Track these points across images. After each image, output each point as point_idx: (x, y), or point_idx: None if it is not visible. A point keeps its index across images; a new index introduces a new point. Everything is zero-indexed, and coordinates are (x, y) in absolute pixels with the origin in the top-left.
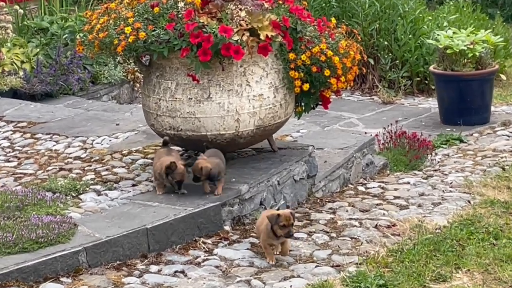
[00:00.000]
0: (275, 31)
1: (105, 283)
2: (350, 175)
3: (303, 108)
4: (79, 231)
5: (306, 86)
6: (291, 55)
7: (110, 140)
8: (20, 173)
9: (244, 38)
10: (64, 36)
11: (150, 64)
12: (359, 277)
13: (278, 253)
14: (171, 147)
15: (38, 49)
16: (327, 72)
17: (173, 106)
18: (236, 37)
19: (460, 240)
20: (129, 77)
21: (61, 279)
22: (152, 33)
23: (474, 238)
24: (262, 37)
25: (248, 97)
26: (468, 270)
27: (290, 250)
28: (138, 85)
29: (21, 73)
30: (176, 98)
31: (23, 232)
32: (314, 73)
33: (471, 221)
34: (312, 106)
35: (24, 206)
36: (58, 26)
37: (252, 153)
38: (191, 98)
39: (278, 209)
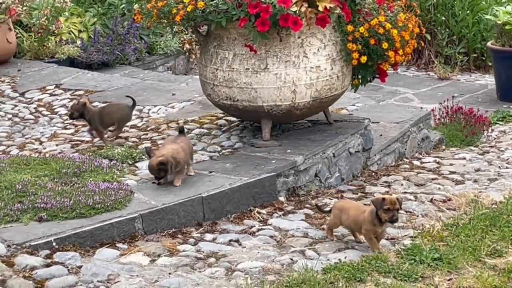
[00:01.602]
0: (334, 2)
1: (160, 250)
2: (405, 149)
3: (360, 80)
4: (135, 198)
5: (363, 59)
6: (349, 27)
7: (166, 110)
8: (77, 140)
9: (303, 9)
10: (122, 6)
11: (207, 34)
12: (414, 250)
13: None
14: (184, 136)
15: (95, 19)
16: (385, 45)
17: (230, 76)
18: (294, 8)
19: None
20: (184, 48)
21: (117, 244)
22: (211, 2)
23: None
24: (320, 8)
25: (305, 68)
26: None
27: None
28: (193, 56)
29: (78, 42)
30: (233, 68)
31: (80, 198)
32: (372, 45)
33: None
34: (368, 79)
35: (81, 173)
36: None
37: (307, 125)
38: (248, 69)
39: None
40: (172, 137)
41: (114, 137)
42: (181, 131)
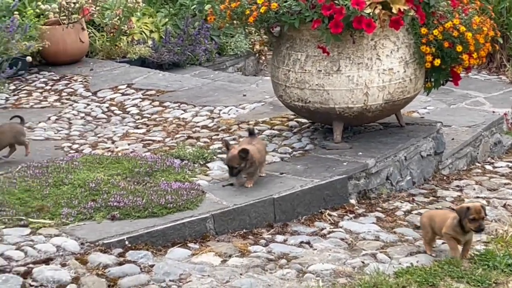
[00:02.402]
0: (408, 4)
1: (232, 251)
2: (477, 153)
3: (433, 83)
4: (206, 198)
5: (437, 62)
6: (423, 30)
7: (237, 111)
8: (149, 140)
9: (376, 11)
10: (193, 7)
11: (280, 35)
12: (487, 255)
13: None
14: (256, 136)
15: (166, 19)
16: (459, 48)
17: (302, 78)
18: (368, 10)
19: None
20: (254, 50)
21: (189, 244)
22: (284, 4)
23: None
24: (394, 10)
25: (378, 71)
26: None
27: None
28: (263, 57)
29: (149, 42)
30: (306, 70)
31: (152, 197)
32: (446, 48)
33: None
34: (441, 82)
35: (153, 172)
36: None
37: (379, 127)
38: (320, 70)
39: None
40: (247, 139)
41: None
42: (251, 132)
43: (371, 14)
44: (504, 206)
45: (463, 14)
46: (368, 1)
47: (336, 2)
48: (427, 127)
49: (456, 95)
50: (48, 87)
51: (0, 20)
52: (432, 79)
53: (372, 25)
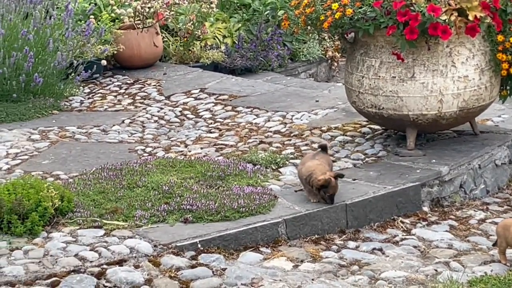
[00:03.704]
0: (484, 12)
1: (304, 256)
2: None
3: (508, 91)
4: (279, 203)
5: None
6: (500, 37)
7: (309, 116)
8: (222, 144)
9: (452, 18)
10: (266, 13)
11: (354, 41)
12: None
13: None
14: (323, 153)
15: (239, 25)
16: None
17: (376, 84)
18: (444, 17)
19: None
20: (327, 56)
21: (261, 249)
22: (359, 10)
23: None
24: (470, 17)
25: (452, 78)
26: None
27: (491, 235)
28: (335, 63)
29: (222, 47)
30: (379, 76)
31: (225, 201)
32: None
33: None
34: None
35: (225, 176)
36: (260, 3)
37: (453, 135)
38: (395, 77)
39: None
40: (311, 154)
41: None
42: (323, 148)
43: (446, 20)
44: None
45: None
46: (444, 8)
47: (412, 8)
48: (502, 135)
49: None
50: (122, 91)
51: (76, 24)
52: (508, 87)
53: (447, 32)
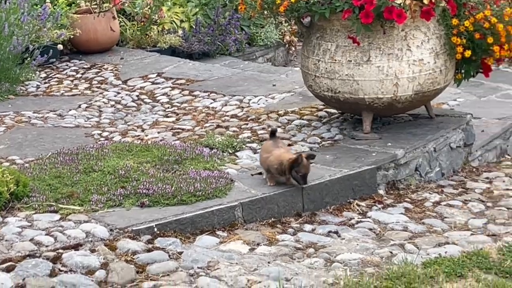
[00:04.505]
0: None
1: (260, 239)
2: (507, 146)
3: (463, 75)
4: (235, 186)
5: (468, 53)
6: (454, 21)
7: (266, 100)
8: (178, 128)
9: (407, 1)
10: None
11: (310, 25)
12: None
13: None
14: (278, 138)
15: (197, 9)
16: (490, 39)
17: (332, 68)
18: (399, 1)
19: None
20: (284, 40)
21: (217, 232)
22: None
23: None
24: (425, 1)
25: (408, 61)
26: None
27: (445, 217)
28: (293, 48)
29: (180, 32)
30: (335, 60)
31: (181, 185)
32: (477, 40)
33: None
34: (472, 73)
35: (182, 160)
36: None
37: (408, 118)
38: (351, 61)
39: None
40: (271, 142)
41: None
42: (273, 132)
43: (402, 4)
44: None
45: (495, 6)
46: None
47: None
48: (457, 118)
49: (487, 88)
50: (78, 75)
51: (32, 8)
52: (463, 71)
53: (403, 16)
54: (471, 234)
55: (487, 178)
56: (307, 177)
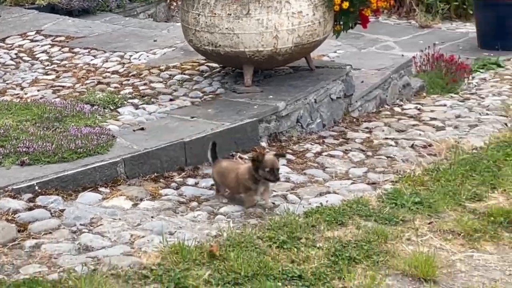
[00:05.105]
0: None
1: (143, 194)
2: (386, 96)
3: (342, 26)
4: (117, 143)
5: (345, 4)
6: None
7: (147, 56)
8: (59, 86)
9: None
10: None
11: None
12: (394, 194)
13: None
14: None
15: None
16: None
17: (212, 21)
18: None
19: (496, 161)
20: None
21: (100, 189)
22: None
23: (511, 160)
24: None
25: (287, 14)
26: (504, 190)
27: (327, 167)
28: (174, 3)
29: None
30: (215, 14)
31: (62, 143)
32: None
33: (508, 143)
34: (350, 25)
35: (63, 118)
36: None
37: (289, 71)
38: (230, 14)
39: None
40: (230, 161)
41: None
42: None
43: None
44: (412, 146)
45: None
46: None
47: None
48: (337, 70)
49: (367, 40)
50: None
51: None
52: (341, 22)
53: None
54: (352, 183)
55: (367, 128)
56: (277, 171)
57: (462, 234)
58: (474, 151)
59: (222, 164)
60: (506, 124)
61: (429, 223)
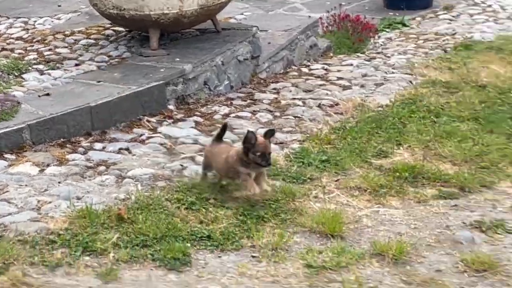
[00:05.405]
0: None
1: (49, 160)
2: (293, 56)
3: None
4: (22, 109)
5: None
6: None
7: (52, 21)
8: None
9: None
10: None
11: None
12: (302, 153)
13: None
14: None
15: None
16: None
17: None
18: None
19: (401, 118)
20: None
21: (5, 155)
22: None
23: (416, 116)
24: None
25: None
26: (409, 146)
27: (235, 129)
28: None
29: None
30: None
31: None
32: None
33: (413, 100)
34: None
35: None
36: None
37: (195, 33)
38: None
39: None
40: (222, 146)
41: None
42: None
43: None
44: (319, 106)
45: None
46: None
47: None
48: (243, 31)
49: (274, 2)
50: None
51: None
52: None
53: None
54: None
55: (274, 89)
56: (269, 156)
57: (368, 190)
58: (380, 109)
59: (218, 145)
60: (411, 81)
61: (336, 181)
